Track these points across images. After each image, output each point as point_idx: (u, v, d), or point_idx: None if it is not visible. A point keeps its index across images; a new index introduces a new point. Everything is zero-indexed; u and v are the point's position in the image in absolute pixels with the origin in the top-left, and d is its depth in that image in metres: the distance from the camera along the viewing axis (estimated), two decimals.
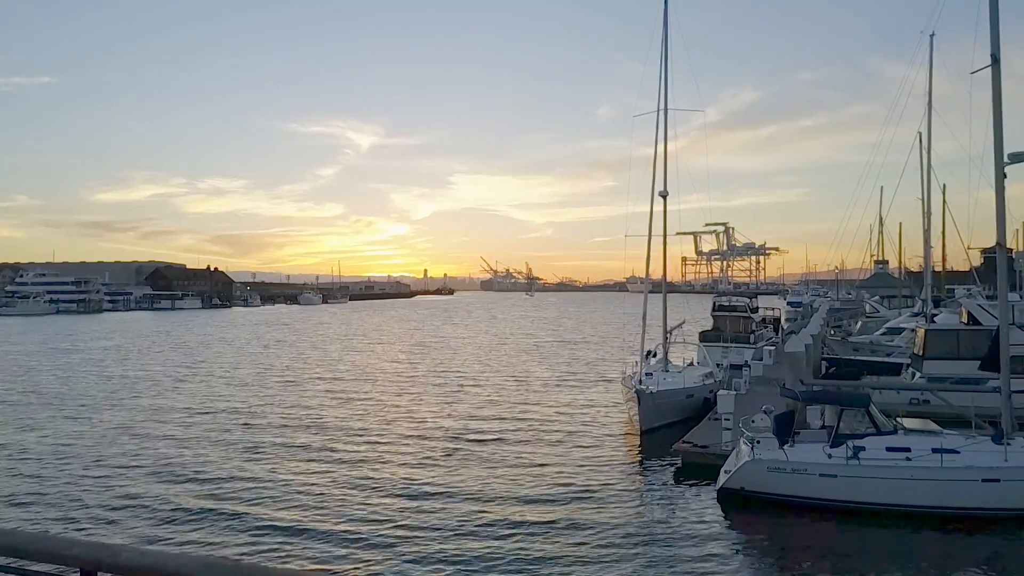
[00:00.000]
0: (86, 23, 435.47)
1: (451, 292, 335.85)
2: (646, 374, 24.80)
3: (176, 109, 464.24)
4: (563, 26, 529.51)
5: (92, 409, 28.53)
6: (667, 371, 26.89)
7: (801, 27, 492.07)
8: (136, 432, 23.96)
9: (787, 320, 78.81)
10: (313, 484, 17.70)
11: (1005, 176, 15.16)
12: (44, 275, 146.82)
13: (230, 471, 18.92)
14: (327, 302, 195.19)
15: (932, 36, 33.33)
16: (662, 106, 27.33)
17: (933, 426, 15.84)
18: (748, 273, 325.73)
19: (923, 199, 40.88)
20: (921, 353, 25.21)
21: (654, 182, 27.53)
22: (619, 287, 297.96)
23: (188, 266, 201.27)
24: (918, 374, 24.72)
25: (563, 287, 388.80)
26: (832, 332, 49.90)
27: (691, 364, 30.97)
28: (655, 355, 29.39)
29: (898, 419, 16.01)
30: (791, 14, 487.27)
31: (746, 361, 34.40)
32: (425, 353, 52.61)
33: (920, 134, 39.82)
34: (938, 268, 48.11)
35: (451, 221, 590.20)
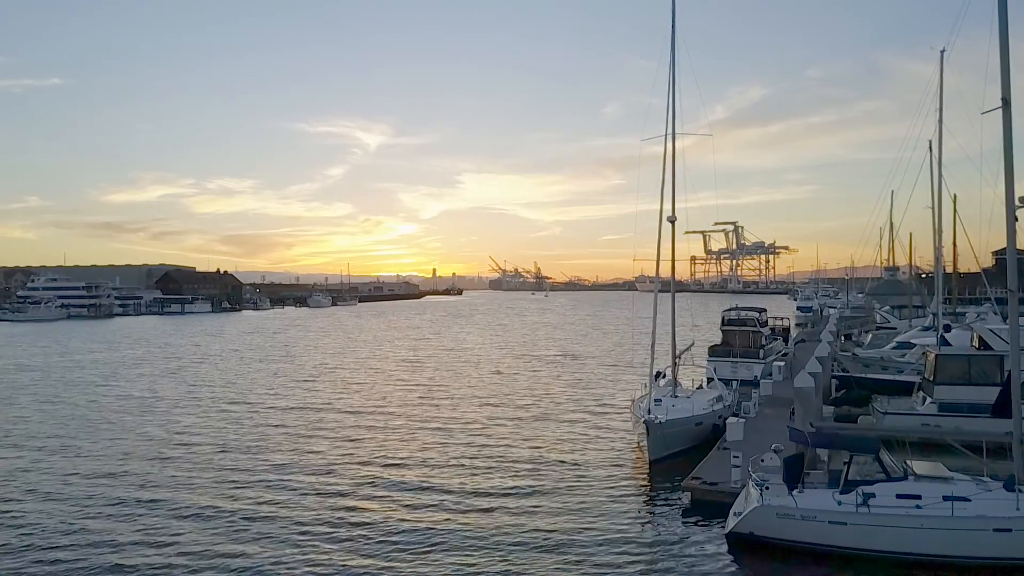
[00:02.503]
0: (95, 26, 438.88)
1: (460, 292, 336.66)
2: (655, 401, 24.64)
3: (185, 110, 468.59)
4: (570, 25, 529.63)
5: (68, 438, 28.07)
6: (676, 396, 26.78)
7: (809, 24, 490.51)
8: (103, 470, 23.08)
9: (797, 325, 78.66)
10: (287, 549, 16.06)
11: (1016, 220, 14.99)
12: (55, 280, 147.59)
13: (187, 523, 17.96)
14: (336, 304, 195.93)
15: (943, 52, 33.38)
16: (669, 131, 27.27)
17: (944, 471, 15.69)
18: (757, 272, 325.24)
19: (934, 209, 40.71)
20: (932, 378, 25.07)
21: (661, 206, 27.45)
22: (628, 285, 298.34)
23: (198, 268, 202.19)
24: (929, 399, 24.63)
25: (572, 286, 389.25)
26: (842, 341, 49.60)
27: (700, 387, 30.84)
28: (664, 376, 29.32)
29: (908, 462, 15.85)
30: (799, 10, 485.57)
31: (755, 377, 34.34)
32: (429, 369, 52.56)
33: (930, 143, 39.66)
34: (948, 270, 47.89)
35: (459, 220, 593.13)
